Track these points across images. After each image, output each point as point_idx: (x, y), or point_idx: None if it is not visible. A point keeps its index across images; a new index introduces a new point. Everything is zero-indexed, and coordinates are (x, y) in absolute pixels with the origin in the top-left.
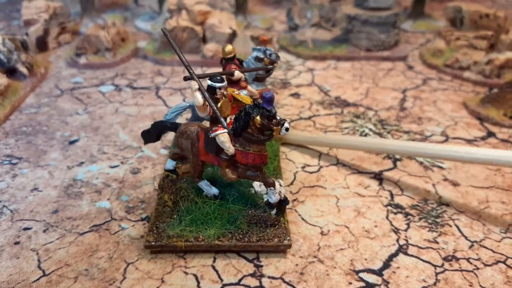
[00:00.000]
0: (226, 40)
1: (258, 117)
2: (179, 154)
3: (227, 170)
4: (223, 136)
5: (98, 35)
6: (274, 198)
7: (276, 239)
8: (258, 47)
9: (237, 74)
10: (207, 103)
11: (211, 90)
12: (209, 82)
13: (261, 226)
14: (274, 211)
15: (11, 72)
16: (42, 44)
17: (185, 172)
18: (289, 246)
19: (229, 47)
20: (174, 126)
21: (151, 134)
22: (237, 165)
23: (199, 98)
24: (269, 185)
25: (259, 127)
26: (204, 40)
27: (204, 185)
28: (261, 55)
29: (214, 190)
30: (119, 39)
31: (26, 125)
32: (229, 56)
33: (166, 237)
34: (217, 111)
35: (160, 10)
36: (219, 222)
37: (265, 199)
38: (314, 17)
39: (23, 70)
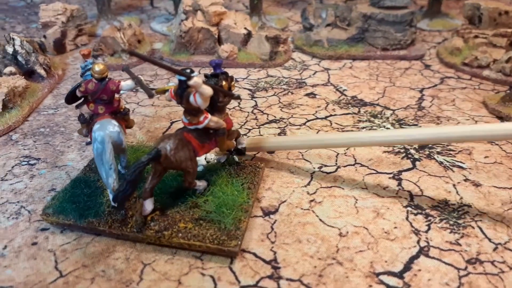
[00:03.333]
0: (241, 40)
1: (224, 82)
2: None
3: (227, 142)
4: (211, 118)
5: (115, 36)
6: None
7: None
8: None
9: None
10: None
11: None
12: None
13: None
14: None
15: (29, 74)
16: (59, 46)
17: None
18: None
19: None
20: (155, 156)
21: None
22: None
23: (208, 89)
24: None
25: (223, 91)
26: (219, 41)
27: (200, 183)
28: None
29: (205, 182)
30: (135, 41)
31: (44, 126)
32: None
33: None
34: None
35: (176, 12)
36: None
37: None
38: (329, 16)
39: (41, 71)
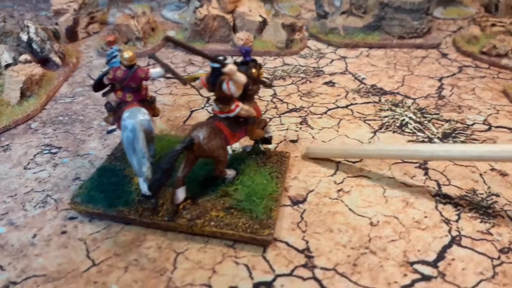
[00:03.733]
0: (256, 28)
1: (254, 70)
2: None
3: (257, 130)
4: (243, 107)
5: (129, 24)
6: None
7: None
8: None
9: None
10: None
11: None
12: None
13: None
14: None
15: (44, 62)
16: (71, 34)
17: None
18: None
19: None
20: (188, 144)
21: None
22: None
23: (243, 76)
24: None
25: (254, 79)
26: (234, 28)
27: (229, 172)
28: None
29: (234, 171)
30: (149, 29)
31: (62, 115)
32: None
33: None
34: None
35: None
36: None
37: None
38: (344, 4)
39: (56, 59)
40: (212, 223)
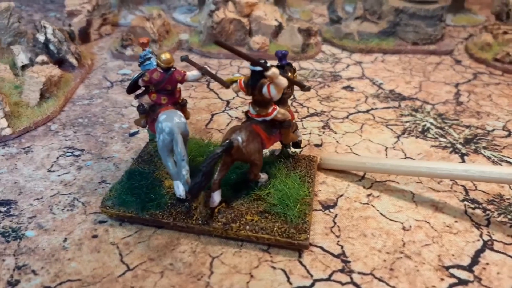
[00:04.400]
0: (272, 32)
1: (289, 74)
2: (225, 171)
3: (291, 134)
4: (279, 110)
5: (144, 26)
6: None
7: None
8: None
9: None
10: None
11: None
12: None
13: None
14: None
15: (59, 63)
16: (84, 36)
17: None
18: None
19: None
20: (227, 147)
21: (205, 182)
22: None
23: (284, 80)
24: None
25: (293, 82)
26: (249, 32)
27: (262, 175)
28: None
29: (266, 175)
30: (164, 31)
31: (81, 117)
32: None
33: None
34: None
35: (198, 2)
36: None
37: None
38: (358, 9)
39: (73, 61)
40: (247, 227)
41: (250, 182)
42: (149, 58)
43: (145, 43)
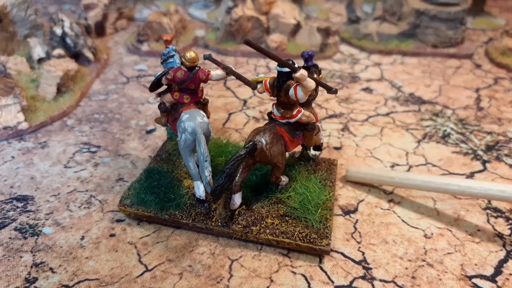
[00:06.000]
0: (290, 31)
1: (315, 75)
2: (246, 174)
3: (314, 137)
4: (304, 113)
5: (161, 22)
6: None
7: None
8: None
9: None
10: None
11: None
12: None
13: None
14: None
15: (75, 57)
16: (100, 30)
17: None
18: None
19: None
20: (251, 149)
21: (228, 183)
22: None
23: (312, 82)
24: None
25: (320, 84)
26: (267, 30)
27: (284, 178)
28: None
29: (287, 178)
30: (181, 27)
31: (97, 112)
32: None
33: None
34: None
35: None
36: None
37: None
38: (377, 10)
39: (89, 55)
40: (268, 230)
41: (271, 184)
42: (173, 56)
43: (169, 40)
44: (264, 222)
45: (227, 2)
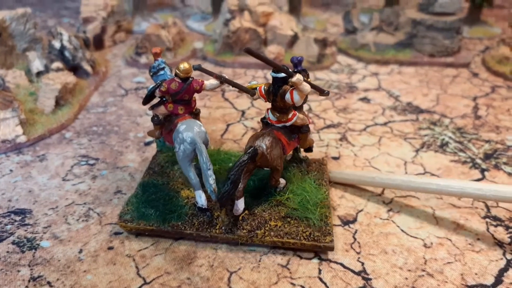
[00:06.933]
0: (287, 42)
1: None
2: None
3: (309, 138)
4: (299, 116)
5: (160, 34)
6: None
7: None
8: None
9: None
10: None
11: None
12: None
13: None
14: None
15: (74, 70)
16: (98, 42)
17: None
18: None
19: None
20: (253, 154)
21: (233, 190)
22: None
23: (308, 86)
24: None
25: (313, 87)
26: (265, 42)
27: (282, 181)
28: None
29: (284, 180)
30: (179, 39)
31: (96, 125)
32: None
33: None
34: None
35: (213, 10)
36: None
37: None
38: (374, 20)
39: (88, 68)
40: (272, 233)
41: (270, 188)
42: (163, 68)
43: (158, 53)
44: (268, 225)
45: (225, 14)
